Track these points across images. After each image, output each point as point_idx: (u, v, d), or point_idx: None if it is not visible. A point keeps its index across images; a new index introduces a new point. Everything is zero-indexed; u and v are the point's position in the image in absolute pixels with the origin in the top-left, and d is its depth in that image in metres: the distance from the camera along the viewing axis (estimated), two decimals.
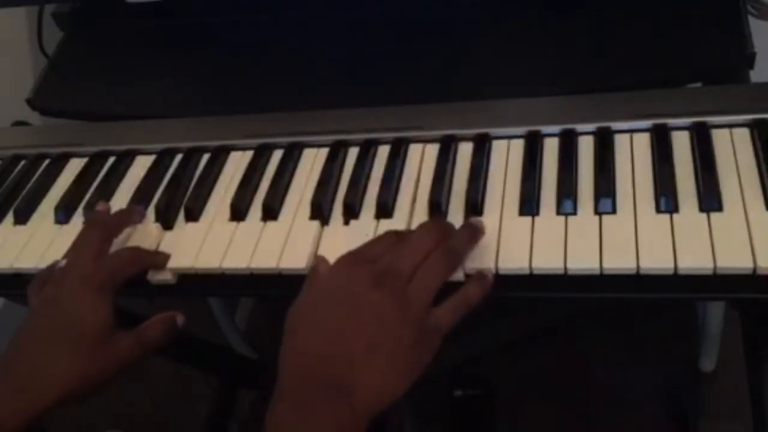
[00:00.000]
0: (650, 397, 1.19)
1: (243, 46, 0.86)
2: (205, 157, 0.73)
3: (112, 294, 0.60)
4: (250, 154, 0.72)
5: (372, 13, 0.83)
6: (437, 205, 0.62)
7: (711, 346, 1.20)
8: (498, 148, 0.66)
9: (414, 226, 0.60)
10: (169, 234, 0.67)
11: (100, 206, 0.69)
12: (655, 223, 0.56)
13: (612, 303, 1.06)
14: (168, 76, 0.86)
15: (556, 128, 0.66)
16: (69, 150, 0.78)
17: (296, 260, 0.61)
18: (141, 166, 0.75)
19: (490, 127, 0.67)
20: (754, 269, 0.52)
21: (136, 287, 0.63)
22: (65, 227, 0.70)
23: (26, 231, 0.71)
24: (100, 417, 1.25)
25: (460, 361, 1.20)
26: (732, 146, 0.61)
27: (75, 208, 0.72)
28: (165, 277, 0.63)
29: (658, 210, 0.57)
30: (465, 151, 0.67)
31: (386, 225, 0.62)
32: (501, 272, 0.56)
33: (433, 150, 0.67)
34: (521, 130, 0.67)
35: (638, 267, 0.54)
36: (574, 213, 0.59)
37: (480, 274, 0.56)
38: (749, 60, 0.68)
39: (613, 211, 0.58)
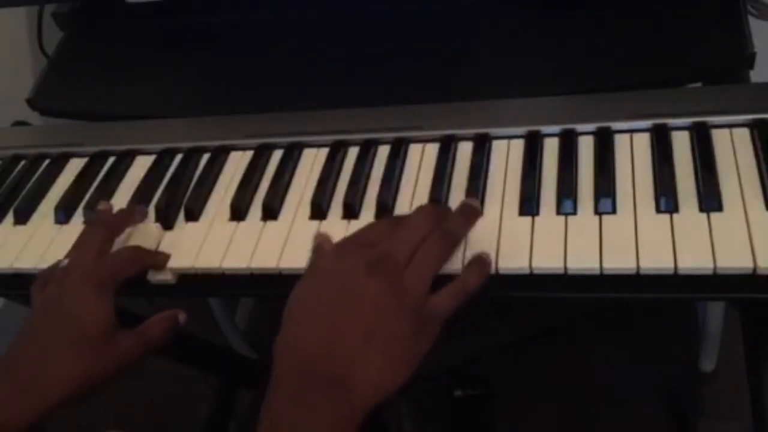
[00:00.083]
0: (650, 397, 1.19)
1: (243, 46, 0.86)
2: (205, 157, 0.73)
3: (113, 293, 0.60)
4: (250, 154, 0.72)
5: (372, 13, 0.83)
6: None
7: (711, 346, 1.21)
8: (498, 148, 0.66)
9: None
10: (169, 234, 0.67)
11: (102, 206, 0.69)
12: (655, 223, 0.56)
13: (612, 303, 1.07)
14: (168, 76, 0.86)
15: (556, 128, 0.66)
16: (69, 150, 0.78)
17: (296, 260, 0.61)
18: (141, 166, 0.75)
19: (490, 127, 0.67)
20: (754, 269, 0.52)
21: (136, 287, 0.63)
22: (65, 227, 0.70)
23: (26, 231, 0.71)
24: (100, 417, 1.25)
25: (460, 361, 1.20)
26: (732, 146, 0.61)
27: (75, 208, 0.72)
28: (165, 277, 0.63)
29: (658, 210, 0.57)
30: (465, 150, 0.67)
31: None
32: (501, 272, 0.56)
33: (433, 150, 0.67)
34: (521, 130, 0.67)
35: (638, 267, 0.54)
36: (574, 213, 0.59)
37: (479, 260, 0.55)
38: (749, 60, 0.68)
39: (613, 211, 0.58)
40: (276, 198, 0.67)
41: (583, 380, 1.23)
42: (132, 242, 0.65)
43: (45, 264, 0.65)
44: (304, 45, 0.84)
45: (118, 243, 0.65)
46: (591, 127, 0.65)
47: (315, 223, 0.64)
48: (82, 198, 0.73)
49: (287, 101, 0.78)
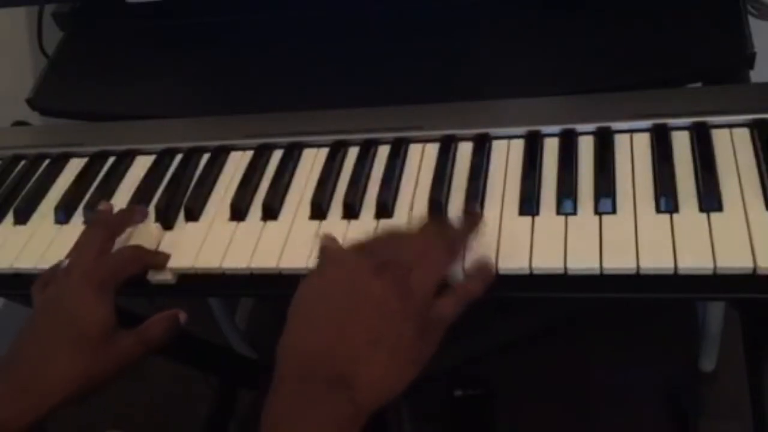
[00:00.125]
0: (650, 397, 1.19)
1: (243, 46, 0.86)
2: (205, 157, 0.73)
3: (113, 293, 0.60)
4: (250, 154, 0.72)
5: (372, 13, 0.83)
6: (437, 205, 0.62)
7: (711, 346, 1.21)
8: (498, 148, 0.66)
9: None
10: (169, 234, 0.67)
11: (103, 206, 0.69)
12: (655, 223, 0.56)
13: (612, 303, 1.07)
14: (168, 76, 0.86)
15: (556, 128, 0.66)
16: (69, 150, 0.78)
17: (296, 260, 0.61)
18: (141, 166, 0.75)
19: (490, 127, 0.67)
20: (754, 269, 0.52)
21: (136, 287, 0.63)
22: (65, 227, 0.70)
23: (26, 231, 0.71)
24: (100, 417, 1.25)
25: (460, 361, 1.20)
26: (732, 146, 0.61)
27: (75, 208, 0.72)
28: (165, 277, 0.63)
29: (658, 210, 0.57)
30: (465, 151, 0.67)
31: (386, 225, 0.62)
32: (501, 272, 0.56)
33: (433, 150, 0.67)
34: (521, 130, 0.67)
35: (638, 267, 0.54)
36: (574, 213, 0.59)
37: (483, 267, 0.56)
38: (749, 60, 0.68)
39: (613, 211, 0.58)
40: (276, 198, 0.67)
41: (583, 380, 1.23)
42: (132, 242, 0.65)
43: (45, 264, 0.65)
44: (304, 45, 0.84)
45: (118, 243, 0.65)
46: (591, 127, 0.65)
47: (315, 223, 0.64)
48: (82, 198, 0.73)
49: (287, 101, 0.78)
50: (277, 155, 0.71)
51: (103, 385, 0.58)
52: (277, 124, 0.74)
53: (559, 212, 0.59)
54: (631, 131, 0.64)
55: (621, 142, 0.64)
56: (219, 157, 0.73)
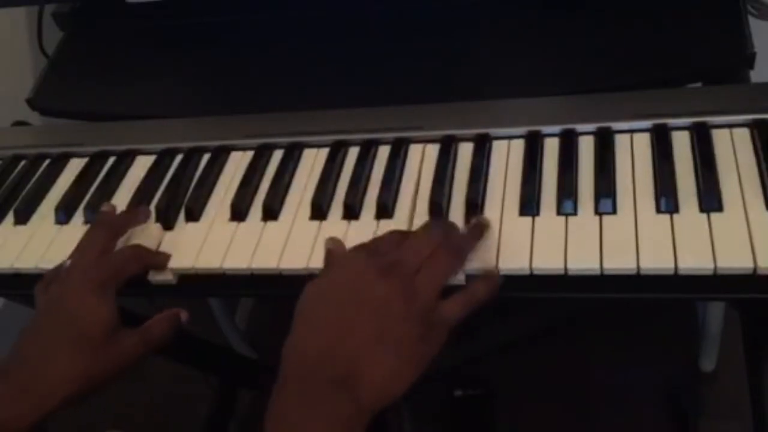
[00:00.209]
0: (650, 397, 1.19)
1: (243, 46, 0.86)
2: (206, 157, 0.73)
3: (114, 293, 0.60)
4: (250, 154, 0.72)
5: (372, 13, 0.83)
6: (438, 206, 0.62)
7: (711, 346, 1.21)
8: (498, 148, 0.66)
9: (415, 226, 0.61)
10: (169, 234, 0.67)
11: (105, 207, 0.69)
12: (655, 223, 0.56)
13: (612, 303, 1.07)
14: (168, 76, 0.86)
15: (556, 128, 0.66)
16: (69, 150, 0.78)
17: (296, 260, 0.61)
18: (141, 166, 0.75)
19: (490, 127, 0.67)
20: (754, 269, 0.52)
21: (136, 287, 0.63)
22: (65, 227, 0.70)
23: (26, 231, 0.71)
24: (100, 417, 1.25)
25: (460, 361, 1.20)
26: (732, 146, 0.61)
27: (75, 209, 0.72)
28: (166, 277, 0.63)
29: (659, 210, 0.57)
30: (465, 151, 0.67)
31: (386, 225, 0.62)
32: (501, 272, 0.56)
33: (433, 150, 0.67)
34: (521, 130, 0.67)
35: (638, 267, 0.54)
36: (575, 213, 0.59)
37: (489, 273, 0.56)
38: (749, 60, 0.68)
39: (614, 212, 0.58)
40: (276, 198, 0.67)
41: (583, 380, 1.23)
42: (133, 242, 0.65)
43: (45, 264, 0.65)
44: (304, 45, 0.84)
45: (119, 244, 0.65)
46: (591, 127, 0.65)
47: (315, 223, 0.64)
48: (82, 198, 0.73)
49: (287, 101, 0.78)
50: (277, 155, 0.71)
51: (103, 385, 0.58)
52: (277, 124, 0.74)
53: (559, 212, 0.59)
54: (632, 131, 0.64)
55: (621, 142, 0.64)
56: (219, 157, 0.73)
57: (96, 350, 0.57)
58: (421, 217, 0.62)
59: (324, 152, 0.70)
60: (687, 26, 0.72)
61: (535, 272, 0.56)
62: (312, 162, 0.70)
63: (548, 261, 0.56)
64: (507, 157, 0.65)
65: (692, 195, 0.58)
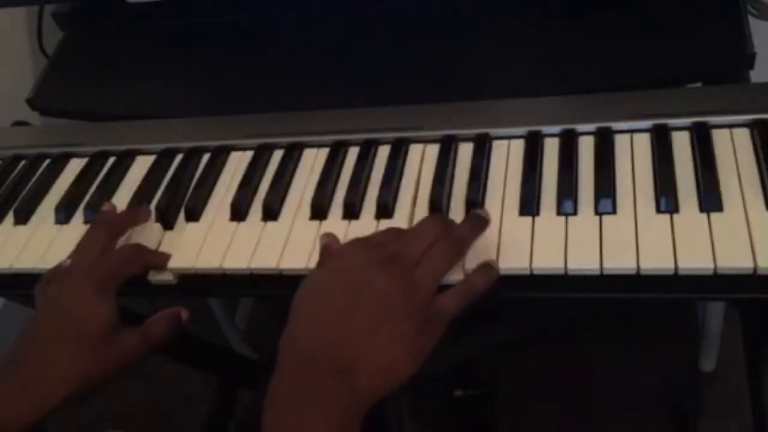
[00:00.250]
0: (650, 397, 1.19)
1: (243, 46, 0.86)
2: (206, 157, 0.73)
3: (114, 292, 0.60)
4: (250, 154, 0.72)
5: (372, 13, 0.83)
6: (437, 206, 0.62)
7: (711, 346, 1.20)
8: (498, 148, 0.66)
9: None
10: (169, 234, 0.67)
11: (106, 206, 0.69)
12: (655, 223, 0.56)
13: (612, 303, 1.07)
14: (168, 76, 0.86)
15: (556, 128, 0.66)
16: (69, 150, 0.78)
17: (296, 260, 0.61)
18: (141, 166, 0.75)
19: (490, 127, 0.67)
20: (754, 269, 0.52)
21: (136, 287, 0.63)
22: (65, 227, 0.70)
23: (26, 231, 0.71)
24: (100, 417, 1.25)
25: (460, 361, 1.20)
26: (732, 146, 0.61)
27: (75, 208, 0.72)
28: (165, 277, 0.63)
29: (659, 210, 0.57)
30: (465, 151, 0.67)
31: (386, 225, 0.62)
32: (501, 272, 0.56)
33: (433, 150, 0.67)
34: (521, 130, 0.67)
35: (638, 267, 0.54)
36: (575, 213, 0.59)
37: (486, 266, 0.56)
38: (749, 60, 0.68)
39: (613, 212, 0.58)
40: (276, 198, 0.67)
41: (583, 380, 1.23)
42: (133, 242, 0.65)
43: (45, 264, 0.65)
44: (304, 45, 0.84)
45: (119, 243, 0.65)
46: (591, 127, 0.65)
47: (315, 223, 0.64)
48: (82, 198, 0.73)
49: (287, 101, 0.78)
50: (277, 155, 0.71)
51: (103, 384, 0.58)
52: (277, 124, 0.74)
53: (559, 213, 0.59)
54: (631, 131, 0.64)
55: (621, 142, 0.64)
56: (219, 157, 0.73)
57: (96, 350, 0.57)
58: (421, 217, 0.62)
59: (324, 152, 0.70)
60: (687, 26, 0.72)
61: (535, 272, 0.56)
62: (312, 162, 0.70)
63: (548, 261, 0.56)
64: (507, 157, 0.65)
65: (692, 195, 0.58)
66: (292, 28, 0.85)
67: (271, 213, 0.66)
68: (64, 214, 0.71)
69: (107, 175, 0.75)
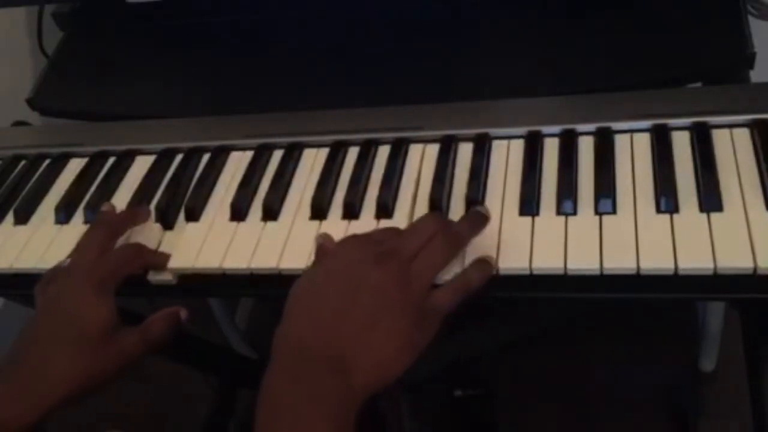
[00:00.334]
0: (650, 397, 1.19)
1: (243, 46, 0.86)
2: (205, 157, 0.73)
3: (113, 292, 0.60)
4: (250, 154, 0.72)
5: (372, 13, 0.83)
6: (437, 205, 0.62)
7: (711, 346, 1.20)
8: (498, 148, 0.66)
9: None
10: (169, 234, 0.67)
11: (105, 206, 0.69)
12: (655, 223, 0.56)
13: (612, 303, 1.07)
14: (168, 76, 0.86)
15: (556, 128, 0.66)
16: (69, 150, 0.78)
17: (296, 260, 0.61)
18: (141, 166, 0.75)
19: (490, 127, 0.67)
20: (755, 269, 0.52)
21: (136, 287, 0.63)
22: (65, 227, 0.70)
23: (26, 231, 0.71)
24: (100, 417, 1.25)
25: (460, 361, 1.20)
26: (732, 146, 0.61)
27: (75, 208, 0.72)
28: (165, 277, 0.63)
29: (659, 210, 0.57)
30: (465, 151, 0.67)
31: (386, 225, 0.62)
32: (501, 272, 0.56)
33: (433, 150, 0.67)
34: (521, 130, 0.67)
35: (638, 267, 0.54)
36: (574, 213, 0.59)
37: (482, 261, 0.56)
38: (749, 60, 0.68)
39: (613, 212, 0.58)
40: (276, 198, 0.67)
41: (583, 380, 1.23)
42: (132, 242, 0.65)
43: (45, 264, 0.65)
44: (304, 45, 0.84)
45: (119, 243, 0.65)
46: (591, 127, 0.65)
47: (315, 223, 0.64)
48: (82, 198, 0.73)
49: (287, 101, 0.78)
50: (277, 155, 0.71)
51: (103, 384, 0.58)
52: (277, 124, 0.74)
53: (559, 212, 0.59)
54: (631, 131, 0.64)
55: (621, 142, 0.64)
56: (219, 157, 0.73)
57: (95, 349, 0.57)
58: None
59: (324, 152, 0.70)
60: (687, 26, 0.72)
61: (535, 272, 0.56)
62: (312, 162, 0.70)
63: (548, 261, 0.56)
64: (507, 157, 0.65)
65: (692, 195, 0.58)
66: (292, 28, 0.85)
67: (271, 213, 0.66)
68: (64, 214, 0.71)
69: (107, 175, 0.75)
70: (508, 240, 0.58)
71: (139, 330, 0.60)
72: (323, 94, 0.78)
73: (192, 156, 0.74)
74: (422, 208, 0.63)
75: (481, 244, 0.58)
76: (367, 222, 0.63)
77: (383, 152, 0.69)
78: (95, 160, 0.77)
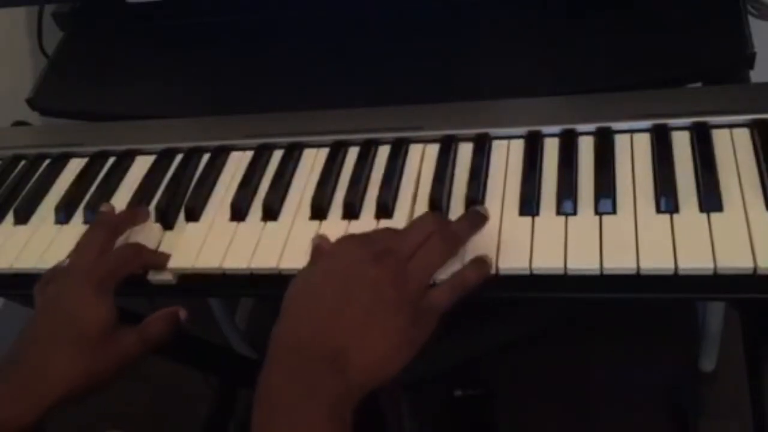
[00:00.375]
0: (650, 397, 1.19)
1: (243, 46, 0.86)
2: (205, 157, 0.73)
3: (113, 292, 0.60)
4: (250, 154, 0.72)
5: (372, 13, 0.83)
6: (437, 205, 0.62)
7: (711, 346, 1.21)
8: (498, 148, 0.66)
9: None
10: (169, 234, 0.67)
11: (104, 207, 0.69)
12: (655, 223, 0.56)
13: (612, 303, 1.07)
14: (168, 76, 0.86)
15: (556, 128, 0.66)
16: (69, 150, 0.78)
17: (296, 260, 0.61)
18: (141, 166, 0.75)
19: (490, 127, 0.67)
20: (754, 269, 0.52)
21: (136, 287, 0.63)
22: (65, 227, 0.70)
23: (26, 231, 0.71)
24: (100, 417, 1.25)
25: (460, 361, 1.20)
26: (732, 146, 0.61)
27: (75, 208, 0.72)
28: (165, 277, 0.63)
29: (659, 210, 0.57)
30: (465, 151, 0.67)
31: (386, 225, 0.62)
32: (501, 272, 0.56)
33: (433, 150, 0.67)
34: (521, 130, 0.67)
35: (638, 267, 0.54)
36: (574, 213, 0.59)
37: (479, 259, 0.56)
38: (749, 60, 0.68)
39: (613, 212, 0.58)
40: (276, 198, 0.67)
41: (583, 380, 1.23)
42: (132, 242, 0.65)
43: (45, 264, 0.65)
44: (304, 45, 0.84)
45: (118, 243, 0.65)
46: (591, 127, 0.65)
47: (315, 223, 0.64)
48: (82, 198, 0.73)
49: (287, 101, 0.78)
50: (277, 155, 0.71)
51: (103, 384, 0.58)
52: (277, 124, 0.74)
53: (559, 212, 0.59)
54: (631, 131, 0.64)
55: (621, 142, 0.64)
56: (219, 157, 0.73)
57: (95, 349, 0.57)
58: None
59: (324, 152, 0.70)
60: (687, 26, 0.72)
61: (535, 272, 0.56)
62: (312, 162, 0.70)
63: (548, 261, 0.56)
64: (507, 157, 0.65)
65: (692, 195, 0.58)
66: (292, 28, 0.85)
67: (271, 213, 0.66)
68: (64, 214, 0.71)
69: (107, 175, 0.75)
70: (508, 240, 0.58)
71: (138, 330, 0.60)
72: (323, 94, 0.78)
73: (192, 156, 0.74)
74: (422, 208, 0.63)
75: (481, 244, 0.58)
76: (367, 222, 0.63)
77: (383, 152, 0.69)
78: (95, 160, 0.77)
